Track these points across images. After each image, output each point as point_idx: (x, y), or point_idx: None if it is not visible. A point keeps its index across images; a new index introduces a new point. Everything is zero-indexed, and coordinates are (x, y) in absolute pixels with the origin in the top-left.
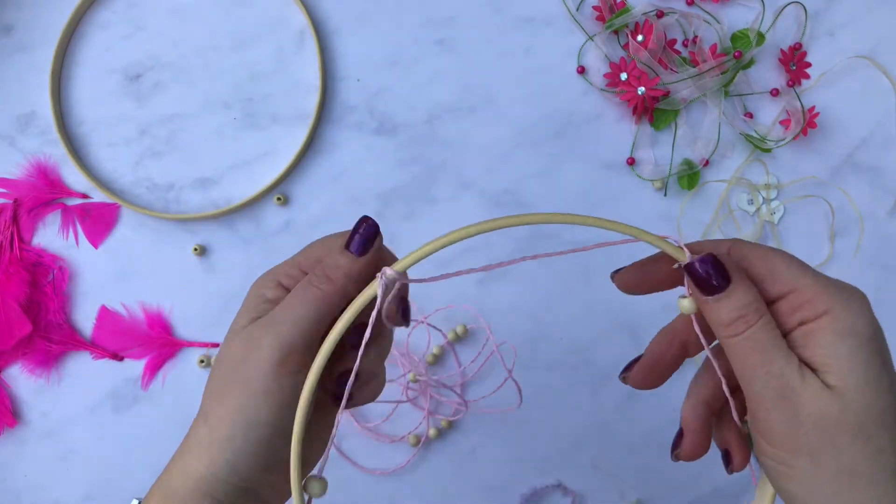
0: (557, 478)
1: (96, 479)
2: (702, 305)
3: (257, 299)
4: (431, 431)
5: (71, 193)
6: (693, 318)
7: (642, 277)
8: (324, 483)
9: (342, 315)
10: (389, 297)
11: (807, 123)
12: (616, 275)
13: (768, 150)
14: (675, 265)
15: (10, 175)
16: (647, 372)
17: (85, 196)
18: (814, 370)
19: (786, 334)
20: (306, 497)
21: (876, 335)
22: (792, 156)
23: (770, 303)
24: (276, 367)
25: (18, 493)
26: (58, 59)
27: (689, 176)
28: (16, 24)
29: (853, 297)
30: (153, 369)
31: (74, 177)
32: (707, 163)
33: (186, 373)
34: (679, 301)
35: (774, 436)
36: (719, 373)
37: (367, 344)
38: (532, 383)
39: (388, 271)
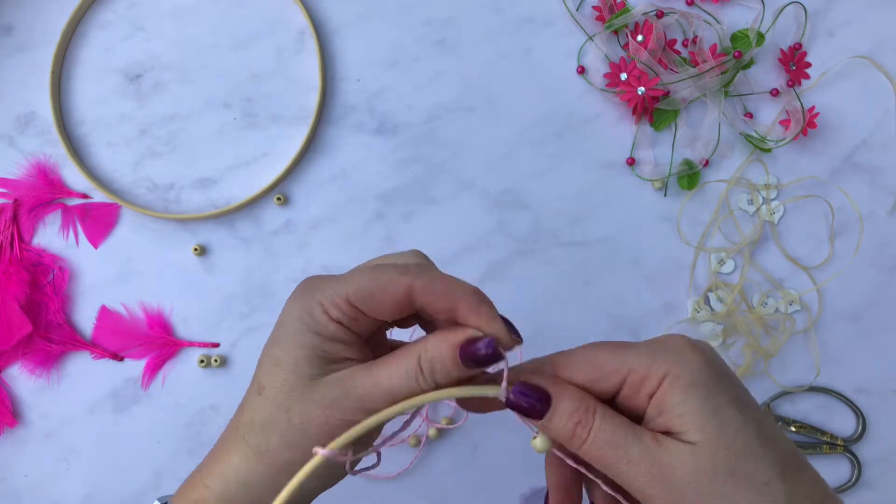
0: None
1: (96, 479)
2: (542, 431)
3: (309, 335)
4: (432, 432)
5: (71, 193)
6: (554, 450)
7: (481, 403)
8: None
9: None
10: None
11: (807, 123)
12: (462, 404)
13: (768, 150)
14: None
15: (10, 175)
16: None
17: (85, 196)
18: (672, 435)
19: (642, 413)
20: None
21: (717, 377)
22: (792, 156)
23: (614, 396)
24: (319, 309)
25: (18, 493)
26: (58, 59)
27: (689, 176)
28: (16, 24)
29: (681, 351)
30: (153, 369)
31: (74, 177)
32: (707, 163)
33: (187, 373)
34: (532, 444)
35: None
36: (609, 489)
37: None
38: None
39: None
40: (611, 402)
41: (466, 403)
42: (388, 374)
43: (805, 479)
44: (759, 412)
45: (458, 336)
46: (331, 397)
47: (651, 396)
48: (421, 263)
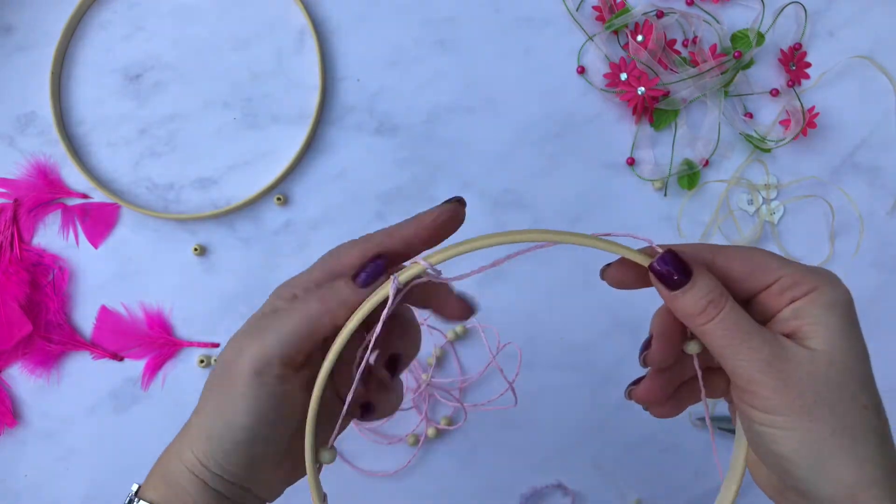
0: (557, 478)
1: (96, 479)
2: (672, 302)
3: (268, 307)
4: (430, 431)
5: (71, 193)
6: (695, 358)
7: (626, 275)
8: (333, 452)
9: (353, 316)
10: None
11: (806, 123)
12: (604, 272)
13: (768, 151)
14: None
15: (10, 175)
16: (653, 385)
17: (85, 196)
18: (795, 339)
19: (774, 314)
20: (318, 465)
21: (852, 308)
22: (792, 156)
23: (757, 293)
24: (252, 376)
25: (18, 493)
26: (58, 59)
27: (689, 176)
28: (16, 24)
29: (833, 276)
30: (153, 369)
31: (74, 177)
32: (707, 163)
33: (186, 373)
34: (686, 345)
35: (768, 403)
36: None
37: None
38: (532, 383)
39: (399, 277)
40: (744, 304)
41: (608, 275)
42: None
43: (892, 440)
44: (874, 382)
45: (350, 250)
46: (238, 337)
47: (792, 301)
48: (369, 234)
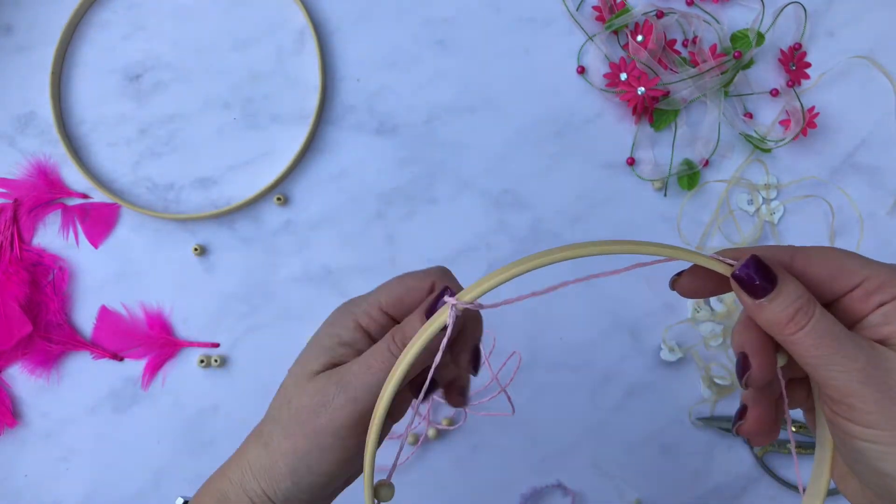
0: (557, 478)
1: (96, 479)
2: (756, 312)
3: (332, 339)
4: (431, 432)
5: (71, 193)
6: (779, 371)
7: (699, 284)
8: (392, 488)
9: (409, 348)
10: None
11: (806, 123)
12: (675, 283)
13: (768, 151)
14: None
15: (10, 175)
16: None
17: (85, 196)
18: (888, 345)
19: (860, 319)
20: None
21: None
22: (792, 156)
23: (841, 296)
24: (346, 429)
25: (19, 493)
26: (58, 59)
27: (689, 176)
28: (16, 24)
29: None
30: (153, 369)
31: (74, 177)
32: (707, 163)
33: (186, 373)
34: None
35: (870, 417)
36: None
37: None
38: (532, 383)
39: (457, 302)
40: (827, 306)
41: (680, 285)
42: (369, 354)
43: None
44: None
45: (423, 305)
46: (320, 385)
47: (882, 305)
48: (439, 267)
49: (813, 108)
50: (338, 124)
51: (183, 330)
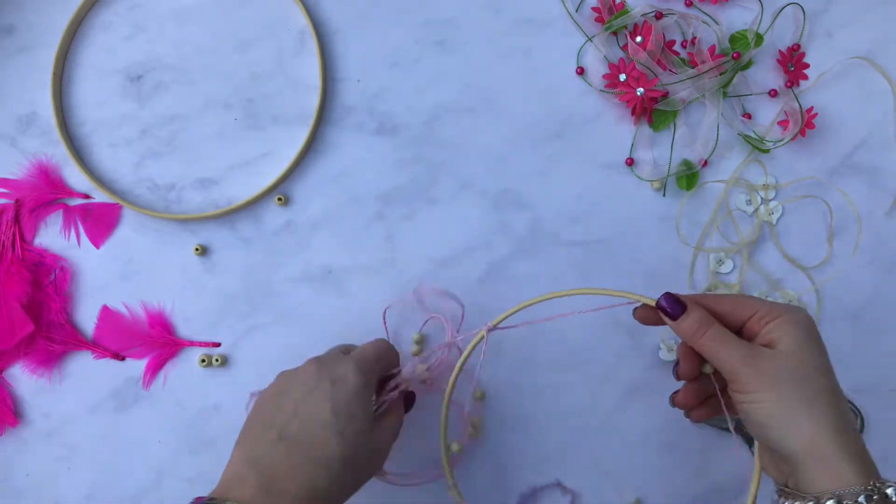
0: (556, 477)
1: (97, 479)
2: (675, 328)
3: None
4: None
5: (72, 194)
6: (712, 376)
7: (647, 314)
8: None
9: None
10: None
11: (805, 124)
12: (635, 312)
13: (767, 151)
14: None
15: (11, 175)
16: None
17: (86, 196)
18: (767, 346)
19: (755, 334)
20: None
21: (812, 325)
22: (790, 156)
23: (743, 323)
24: (343, 466)
25: (20, 493)
26: (59, 60)
27: (688, 176)
28: (17, 25)
29: (798, 307)
30: (154, 369)
31: (76, 177)
32: (706, 163)
33: (188, 372)
34: (703, 367)
35: (748, 386)
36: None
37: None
38: (532, 383)
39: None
40: (738, 332)
41: (637, 315)
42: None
43: (844, 409)
44: (832, 371)
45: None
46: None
47: (766, 324)
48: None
49: (811, 108)
50: (338, 125)
51: (184, 329)
